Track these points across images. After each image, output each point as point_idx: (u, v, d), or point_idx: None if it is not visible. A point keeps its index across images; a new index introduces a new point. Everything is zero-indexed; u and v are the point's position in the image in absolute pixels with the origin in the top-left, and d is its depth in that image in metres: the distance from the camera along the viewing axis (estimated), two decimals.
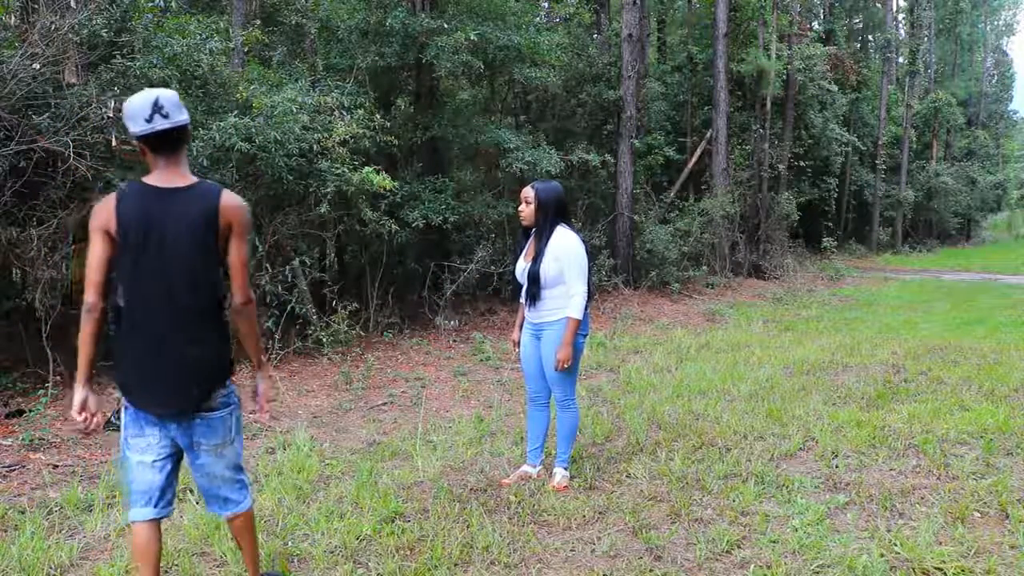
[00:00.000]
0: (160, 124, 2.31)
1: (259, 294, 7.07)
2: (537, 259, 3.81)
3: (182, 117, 2.37)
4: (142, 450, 2.47)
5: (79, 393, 2.43)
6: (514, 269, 4.06)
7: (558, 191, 3.89)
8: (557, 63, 11.45)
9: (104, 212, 2.34)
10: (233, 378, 2.55)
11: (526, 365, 4.08)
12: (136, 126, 2.32)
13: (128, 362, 2.41)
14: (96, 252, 2.35)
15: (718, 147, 16.01)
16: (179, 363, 2.38)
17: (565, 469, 4.05)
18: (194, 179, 2.43)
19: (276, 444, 4.80)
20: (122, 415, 2.50)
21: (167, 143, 2.36)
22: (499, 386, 6.58)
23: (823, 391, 6.03)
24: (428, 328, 9.04)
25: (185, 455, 2.55)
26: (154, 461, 2.48)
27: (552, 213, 3.83)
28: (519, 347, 4.13)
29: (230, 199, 2.42)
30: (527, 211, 3.87)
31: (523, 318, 4.12)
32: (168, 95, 2.35)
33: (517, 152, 9.64)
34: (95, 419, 2.45)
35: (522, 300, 4.05)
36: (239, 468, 2.61)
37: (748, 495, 3.77)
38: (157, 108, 2.31)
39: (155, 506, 2.50)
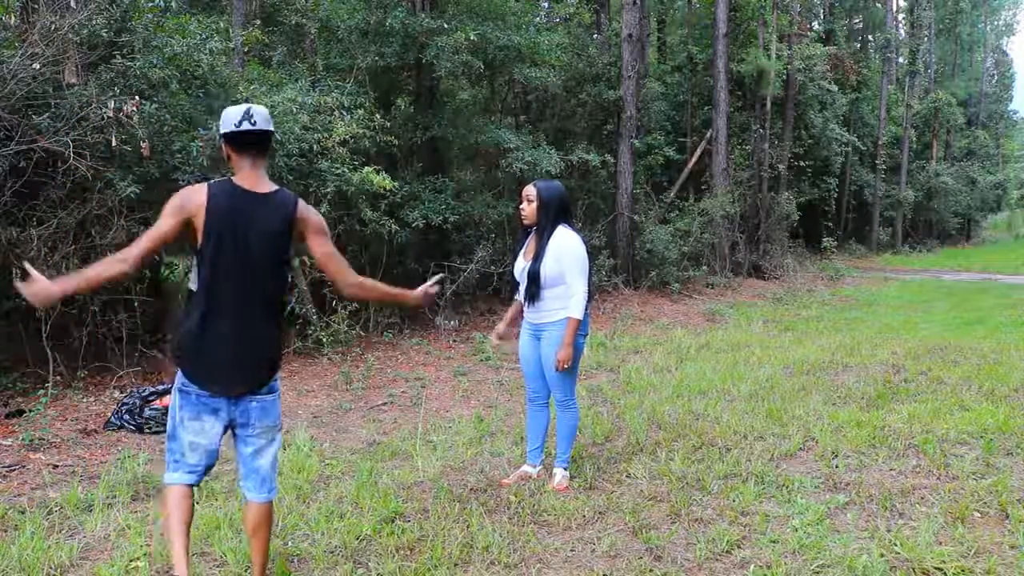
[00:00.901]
0: (246, 127, 2.58)
1: None
2: (537, 258, 3.79)
3: (268, 127, 2.64)
4: (196, 432, 2.64)
5: (52, 286, 2.44)
6: (513, 268, 4.05)
7: (560, 191, 3.88)
8: (557, 63, 11.44)
9: (194, 201, 2.52)
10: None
11: (525, 365, 4.07)
12: (226, 127, 2.60)
13: (196, 344, 2.57)
14: (163, 230, 2.50)
15: (718, 147, 16.01)
16: (251, 350, 2.62)
17: (565, 469, 4.04)
18: (275, 187, 2.68)
19: None
20: (174, 397, 2.65)
21: (251, 146, 2.61)
22: (499, 386, 6.58)
23: (823, 391, 6.03)
24: (428, 328, 9.04)
25: (235, 439, 2.73)
26: (205, 444, 2.66)
27: (554, 212, 3.81)
28: (499, 340, 4.15)
29: (306, 208, 2.71)
30: (529, 210, 3.85)
31: (513, 315, 4.13)
32: (260, 109, 2.64)
33: (517, 152, 9.63)
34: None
35: (517, 298, 4.04)
36: (277, 458, 2.83)
37: (748, 495, 3.76)
38: (247, 116, 2.59)
39: (198, 475, 2.71)
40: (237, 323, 2.58)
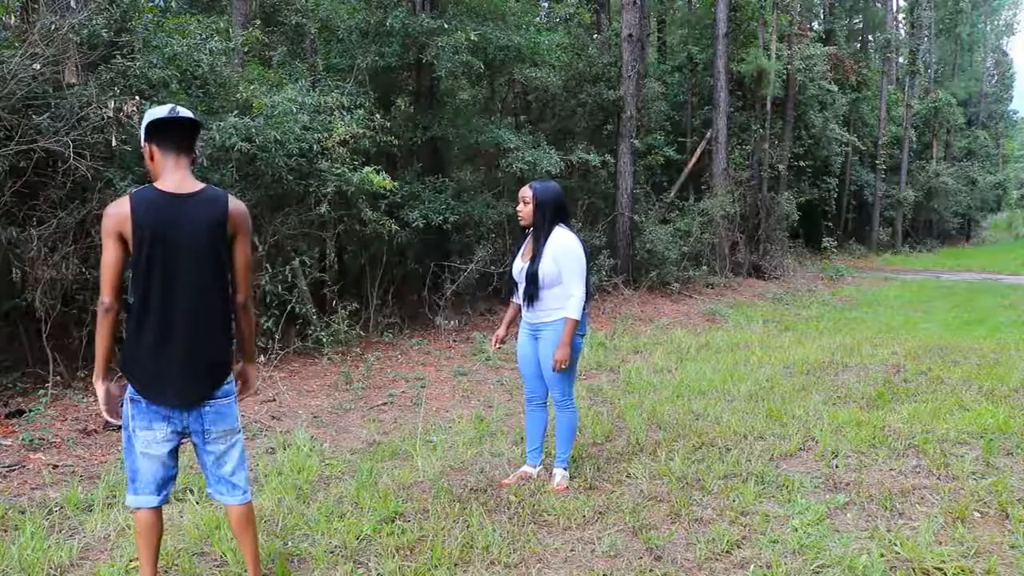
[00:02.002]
0: (171, 116, 2.51)
1: (259, 294, 7.07)
2: (535, 259, 3.79)
3: (195, 118, 2.57)
4: (148, 443, 2.57)
5: (101, 388, 2.58)
6: (511, 269, 4.05)
7: (556, 191, 3.88)
8: (557, 63, 11.44)
9: (119, 215, 2.44)
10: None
11: (523, 366, 4.08)
12: (151, 118, 2.52)
13: (143, 358, 2.51)
14: (110, 255, 2.46)
15: (718, 147, 16.01)
16: (195, 357, 2.54)
17: (564, 469, 4.05)
18: (201, 184, 2.57)
19: (276, 444, 4.80)
20: (127, 408, 2.58)
21: (176, 138, 2.53)
22: (499, 386, 6.58)
23: (823, 391, 6.03)
24: (428, 328, 9.04)
25: (194, 446, 2.67)
26: (159, 455, 2.59)
27: (551, 213, 3.82)
28: (500, 344, 4.13)
29: (237, 205, 2.60)
30: (525, 211, 3.86)
31: (511, 317, 4.14)
32: (183, 109, 2.57)
33: (517, 152, 9.63)
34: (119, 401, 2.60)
35: (515, 299, 4.04)
36: (244, 457, 2.74)
37: (748, 495, 3.76)
38: (173, 109, 2.53)
39: (158, 495, 2.64)
40: (179, 332, 2.51)
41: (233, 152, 6.50)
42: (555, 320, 3.81)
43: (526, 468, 4.15)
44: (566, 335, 3.75)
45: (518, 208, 3.92)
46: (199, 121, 2.59)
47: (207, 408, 2.59)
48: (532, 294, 3.82)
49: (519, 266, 3.93)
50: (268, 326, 6.95)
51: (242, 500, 2.69)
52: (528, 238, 3.96)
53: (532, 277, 3.79)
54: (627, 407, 5.56)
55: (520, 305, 4.00)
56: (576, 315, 3.75)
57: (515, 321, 4.16)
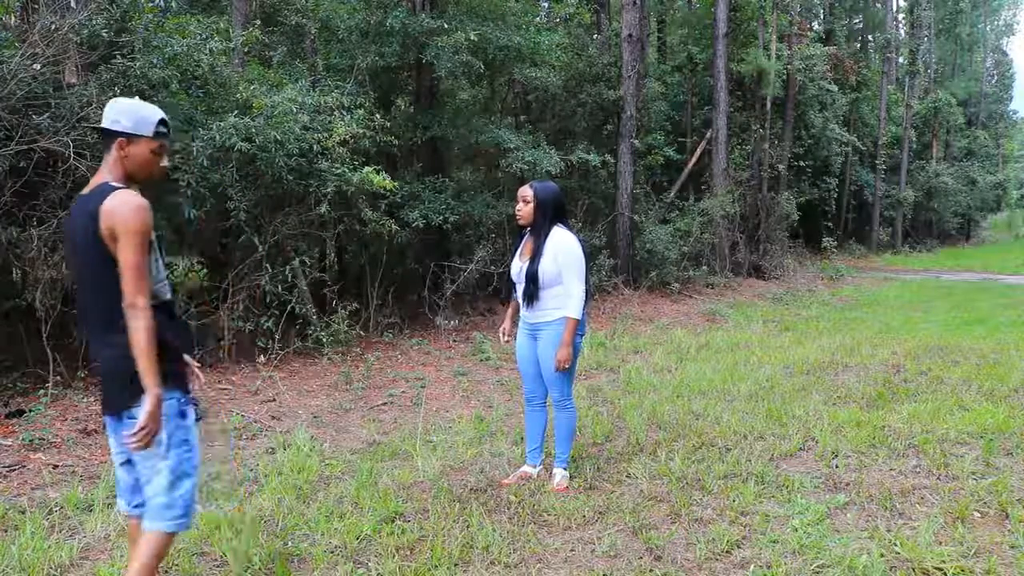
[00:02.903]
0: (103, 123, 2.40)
1: (259, 294, 7.08)
2: (535, 258, 3.80)
3: (106, 123, 2.40)
4: (111, 450, 2.54)
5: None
6: (509, 269, 4.05)
7: (556, 191, 3.90)
8: (557, 63, 11.44)
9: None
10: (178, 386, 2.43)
11: (523, 365, 4.08)
12: (160, 115, 2.46)
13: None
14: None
15: (718, 147, 16.01)
16: (102, 366, 2.40)
17: (564, 469, 4.05)
18: (102, 180, 2.40)
19: (276, 444, 4.80)
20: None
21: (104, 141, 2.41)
22: (499, 386, 6.58)
23: (823, 391, 6.03)
24: (428, 328, 9.04)
25: None
26: (119, 462, 2.53)
27: (551, 213, 3.83)
28: (509, 337, 4.12)
29: (113, 202, 2.29)
30: (524, 211, 3.87)
31: (514, 311, 4.13)
32: (111, 103, 2.43)
33: (517, 152, 9.63)
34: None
35: (516, 298, 4.03)
36: (174, 486, 2.43)
37: (748, 495, 3.77)
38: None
39: (127, 503, 2.57)
40: (90, 338, 2.44)
41: (233, 152, 6.50)
42: (554, 320, 3.81)
43: (526, 468, 4.16)
44: (567, 334, 3.75)
45: (518, 207, 3.93)
46: (103, 127, 2.42)
47: (127, 423, 2.34)
48: (532, 294, 3.83)
49: (517, 266, 3.94)
50: (268, 326, 6.95)
51: (151, 527, 2.44)
52: (526, 238, 3.98)
53: (532, 276, 3.79)
54: (627, 407, 5.56)
55: (519, 303, 4.00)
56: (577, 314, 3.76)
57: (518, 316, 4.16)
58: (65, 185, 5.64)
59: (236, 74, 7.65)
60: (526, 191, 3.88)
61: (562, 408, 3.98)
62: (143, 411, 2.27)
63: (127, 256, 2.26)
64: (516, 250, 4.04)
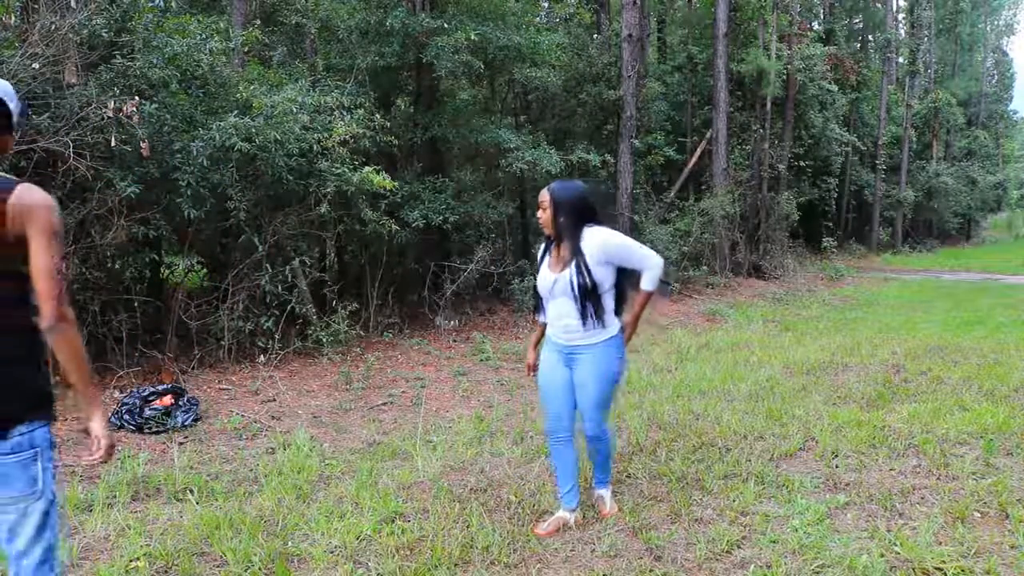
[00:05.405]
0: None
1: (259, 294, 7.07)
2: (579, 270, 3.21)
3: None
4: None
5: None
6: (535, 280, 3.47)
7: (576, 191, 3.35)
8: (557, 63, 11.45)
9: None
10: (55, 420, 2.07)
11: (548, 393, 3.47)
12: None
13: None
14: None
15: (718, 147, 16.01)
16: None
17: (608, 488, 3.74)
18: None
19: (276, 444, 4.80)
20: None
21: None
22: (499, 386, 6.58)
23: (823, 391, 6.03)
24: (428, 328, 9.04)
25: None
26: None
27: (574, 216, 3.28)
28: (535, 372, 3.59)
29: (21, 196, 1.93)
30: (544, 217, 3.32)
31: (539, 338, 3.62)
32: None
33: (517, 152, 9.64)
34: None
35: (540, 318, 3.54)
36: (47, 537, 1.99)
37: (748, 495, 3.76)
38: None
39: None
40: None
41: (233, 152, 6.50)
42: (597, 343, 3.29)
43: (563, 514, 3.52)
44: (638, 308, 3.38)
45: (538, 215, 3.39)
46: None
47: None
48: (591, 306, 3.24)
49: (549, 278, 3.32)
50: (268, 326, 6.95)
51: None
52: (551, 246, 3.40)
53: (585, 288, 3.21)
54: (627, 407, 5.56)
55: (545, 324, 3.49)
56: (652, 286, 3.30)
57: (541, 343, 3.65)
58: (65, 185, 5.64)
59: (236, 74, 7.66)
60: (544, 195, 3.33)
61: (597, 442, 3.50)
62: (95, 425, 2.03)
63: (48, 260, 1.96)
64: (541, 260, 3.45)
